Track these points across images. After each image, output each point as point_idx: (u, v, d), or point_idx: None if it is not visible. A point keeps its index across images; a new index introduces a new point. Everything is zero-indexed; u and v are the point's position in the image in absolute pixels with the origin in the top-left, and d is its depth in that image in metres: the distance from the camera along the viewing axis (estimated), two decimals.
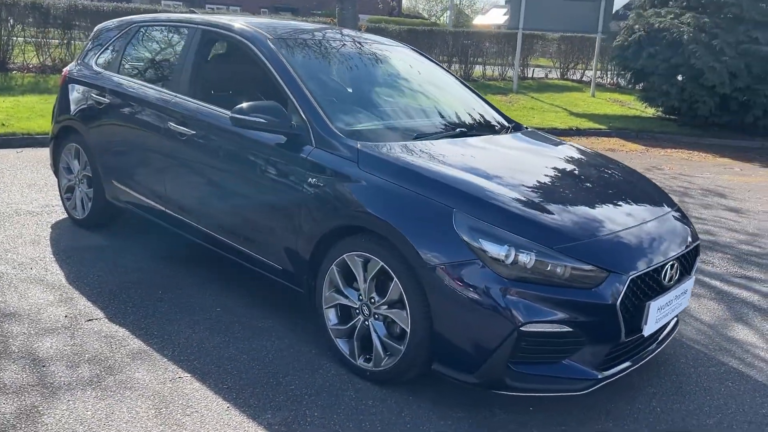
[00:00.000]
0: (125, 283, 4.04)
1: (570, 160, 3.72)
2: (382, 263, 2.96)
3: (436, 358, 2.87)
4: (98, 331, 3.44)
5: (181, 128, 3.90)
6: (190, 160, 3.93)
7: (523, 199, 2.95)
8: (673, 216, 3.34)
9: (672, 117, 12.77)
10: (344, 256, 3.12)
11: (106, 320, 3.56)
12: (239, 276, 4.20)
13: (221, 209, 3.79)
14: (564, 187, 3.28)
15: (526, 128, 4.23)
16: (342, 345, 3.22)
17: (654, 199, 3.39)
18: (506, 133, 4.03)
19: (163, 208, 4.17)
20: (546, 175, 3.38)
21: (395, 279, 2.92)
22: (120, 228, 4.96)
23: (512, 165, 3.46)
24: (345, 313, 3.26)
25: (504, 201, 2.88)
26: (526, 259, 2.67)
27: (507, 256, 2.67)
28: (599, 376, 2.81)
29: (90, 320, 3.55)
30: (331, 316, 3.26)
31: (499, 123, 4.20)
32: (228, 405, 2.89)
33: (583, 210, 3.00)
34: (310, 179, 3.24)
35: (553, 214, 2.87)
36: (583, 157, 3.84)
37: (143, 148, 4.24)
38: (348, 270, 3.17)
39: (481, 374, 2.75)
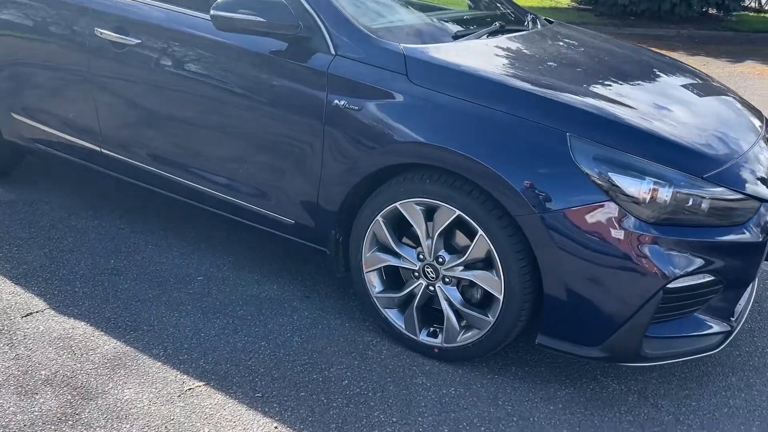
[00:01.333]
0: (58, 251, 3.01)
1: (647, 63, 3.01)
2: (458, 212, 2.20)
3: (544, 329, 2.21)
4: (45, 331, 2.47)
5: (118, 37, 2.80)
6: (140, 81, 2.86)
7: (644, 114, 2.25)
8: None
9: (588, 7, 12.37)
10: (397, 204, 2.32)
11: (53, 313, 2.57)
12: (216, 230, 3.28)
13: (195, 148, 2.81)
14: (666, 99, 2.59)
15: (550, 21, 3.47)
16: (394, 317, 2.48)
17: (751, 114, 2.79)
18: (537, 26, 3.25)
19: (97, 148, 3.09)
20: (637, 83, 2.67)
21: (480, 232, 2.18)
22: (26, 175, 3.77)
23: (594, 69, 2.72)
24: (395, 278, 2.50)
25: (629, 118, 2.16)
26: (667, 194, 2.01)
27: (647, 193, 2.00)
28: (732, 328, 2.27)
29: (28, 315, 2.55)
30: (375, 281, 2.49)
31: (515, 13, 3.40)
32: (274, 424, 2.10)
33: (704, 126, 2.35)
34: (335, 102, 2.35)
35: (682, 133, 2.20)
36: (655, 59, 3.14)
37: (58, 67, 3.07)
38: (400, 222, 2.38)
39: (609, 346, 2.13)
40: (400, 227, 2.42)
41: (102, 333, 2.46)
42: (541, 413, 2.22)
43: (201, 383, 2.24)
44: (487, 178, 2.11)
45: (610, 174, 2.01)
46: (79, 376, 2.24)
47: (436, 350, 2.41)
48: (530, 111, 2.14)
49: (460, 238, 2.32)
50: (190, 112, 2.76)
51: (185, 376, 2.27)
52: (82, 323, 2.51)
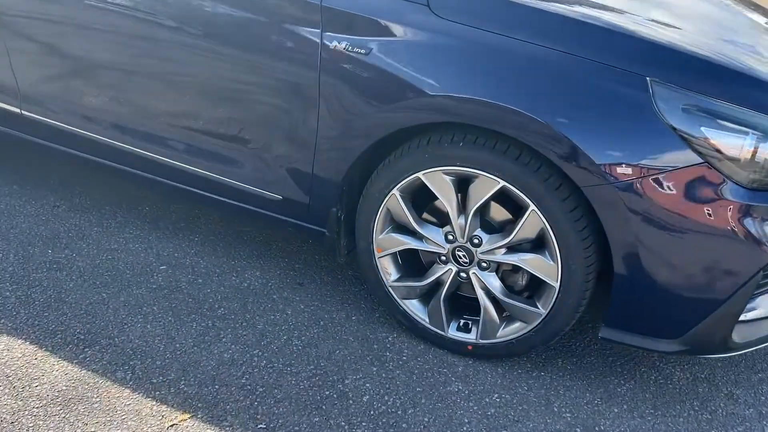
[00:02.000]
0: None
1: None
2: (503, 182, 1.74)
3: (610, 321, 1.80)
4: None
5: None
6: (63, 19, 2.23)
7: (732, 51, 1.80)
8: None
9: None
10: (420, 174, 1.83)
11: None
12: (175, 203, 2.72)
13: (144, 105, 2.22)
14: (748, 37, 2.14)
15: None
16: (415, 309, 2.03)
17: None
18: None
19: (17, 110, 2.45)
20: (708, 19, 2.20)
21: (532, 206, 1.73)
22: None
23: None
24: (414, 262, 2.04)
25: (721, 57, 1.70)
26: None
27: (750, 151, 1.58)
28: None
29: None
30: (389, 268, 2.02)
31: None
32: None
33: None
34: (333, 44, 1.82)
35: None
36: None
37: None
38: (419, 196, 1.91)
39: (693, 337, 1.74)
40: (419, 201, 1.95)
41: (47, 354, 1.93)
42: (606, 419, 1.84)
43: (185, 416, 1.76)
44: (543, 138, 1.65)
45: (703, 129, 1.58)
46: (23, 420, 1.72)
47: (470, 347, 1.99)
48: (596, 49, 1.65)
49: (500, 214, 1.87)
50: (135, 57, 2.15)
51: (164, 407, 1.78)
52: (20, 343, 1.96)
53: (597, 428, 1.81)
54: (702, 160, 1.57)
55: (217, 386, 1.85)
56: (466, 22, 1.72)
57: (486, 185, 1.77)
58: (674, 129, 1.58)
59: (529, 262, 1.82)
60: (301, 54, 1.87)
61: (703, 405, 1.92)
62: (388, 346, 2.06)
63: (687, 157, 1.58)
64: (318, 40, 1.83)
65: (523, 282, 1.92)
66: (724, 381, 2.01)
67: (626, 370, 2.02)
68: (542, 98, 1.66)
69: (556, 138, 1.63)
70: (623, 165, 1.61)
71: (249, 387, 1.86)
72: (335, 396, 1.85)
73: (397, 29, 1.76)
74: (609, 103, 1.63)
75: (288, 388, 1.86)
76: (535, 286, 1.89)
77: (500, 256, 1.85)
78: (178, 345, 1.99)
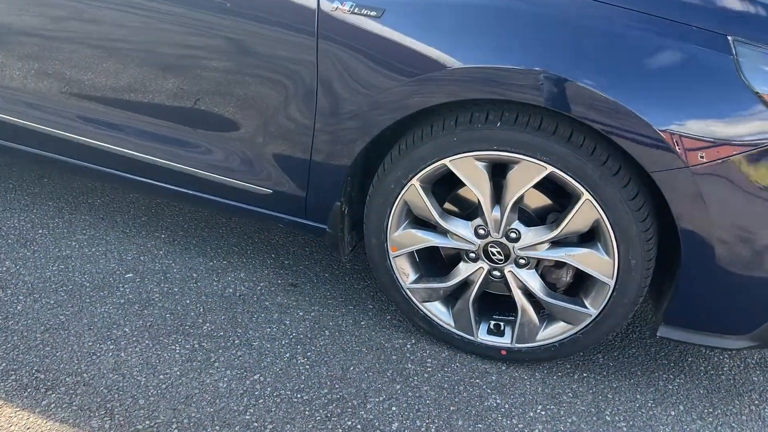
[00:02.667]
0: None
1: None
2: (551, 168, 1.46)
3: (671, 318, 1.57)
4: None
5: None
6: None
7: None
8: None
9: None
10: (446, 161, 1.53)
11: None
12: (122, 196, 2.33)
13: (93, 85, 1.81)
14: None
15: None
16: (438, 313, 1.76)
17: None
18: None
19: None
20: None
21: (587, 195, 1.46)
22: None
23: None
24: (434, 261, 1.76)
25: None
26: None
27: None
28: None
29: None
30: (407, 268, 1.73)
31: None
32: None
33: None
34: (335, 5, 1.46)
35: None
36: None
37: None
38: (442, 183, 1.62)
39: (765, 331, 1.53)
40: (439, 189, 1.65)
41: None
42: (665, 425, 1.64)
43: None
44: (603, 115, 1.36)
45: None
46: None
47: (504, 352, 1.74)
48: (665, 5, 1.36)
49: (541, 203, 1.60)
50: (69, 20, 1.74)
51: None
52: None
53: None
54: None
55: (217, 427, 1.55)
56: None
57: (529, 172, 1.49)
58: (762, 97, 1.31)
59: (579, 257, 1.56)
60: (292, 19, 1.51)
61: (762, 397, 1.74)
62: (408, 355, 1.79)
63: None
64: (314, 3, 1.47)
65: (568, 279, 1.67)
66: None
67: (672, 362, 1.82)
68: (599, 65, 1.37)
69: (619, 113, 1.35)
70: (702, 143, 1.34)
71: (256, 425, 1.56)
72: (360, 427, 1.58)
73: None
74: (683, 70, 1.35)
75: (302, 421, 1.58)
76: (581, 283, 1.64)
77: (543, 251, 1.59)
78: (162, 377, 1.67)
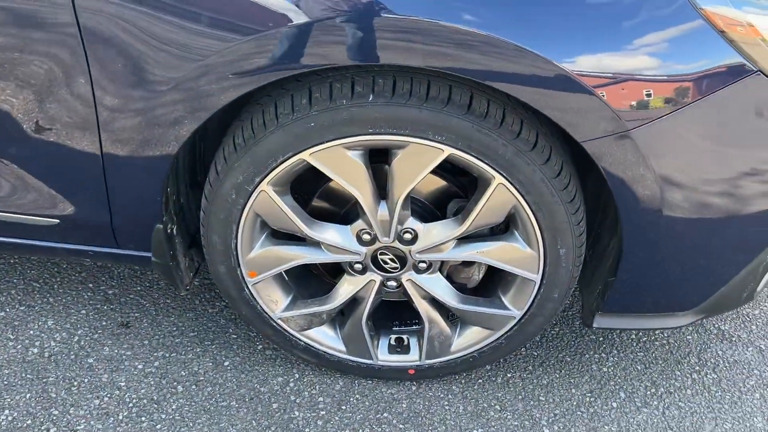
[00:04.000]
0: None
1: None
2: (450, 149, 1.05)
3: (609, 306, 1.27)
4: None
5: None
6: None
7: None
8: None
9: None
10: (304, 155, 1.08)
11: None
12: None
13: None
14: None
15: None
16: (323, 339, 1.35)
17: None
18: None
19: None
20: None
21: (500, 178, 1.08)
22: None
23: None
24: (309, 278, 1.34)
25: None
26: None
27: None
28: None
29: None
30: (273, 293, 1.29)
31: None
32: None
33: None
34: None
35: None
36: None
37: None
38: (306, 181, 1.18)
39: (712, 303, 1.26)
40: (300, 187, 1.21)
41: None
42: (609, 421, 1.38)
43: None
44: (513, 74, 0.97)
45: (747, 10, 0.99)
46: None
47: (413, 371, 1.38)
48: None
49: (436, 191, 1.21)
50: None
51: None
52: None
53: None
54: (753, 68, 1.00)
55: None
56: None
57: (420, 157, 1.07)
58: (710, 18, 0.97)
59: (493, 253, 1.20)
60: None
61: (701, 360, 1.53)
62: (293, 398, 1.38)
63: (729, 59, 0.99)
64: None
65: (479, 276, 1.31)
66: (707, 323, 1.63)
67: (602, 336, 1.56)
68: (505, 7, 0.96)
69: (532, 66, 0.95)
70: (645, 99, 0.99)
71: None
72: None
73: None
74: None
75: None
76: (498, 279, 1.29)
77: (448, 252, 1.20)
78: None
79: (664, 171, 1.05)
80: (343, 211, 1.25)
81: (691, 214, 1.11)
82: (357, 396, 1.39)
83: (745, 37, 0.98)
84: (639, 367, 1.50)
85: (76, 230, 1.25)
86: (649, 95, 0.99)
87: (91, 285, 1.60)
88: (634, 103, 0.99)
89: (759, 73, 0.99)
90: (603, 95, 0.97)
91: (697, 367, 1.51)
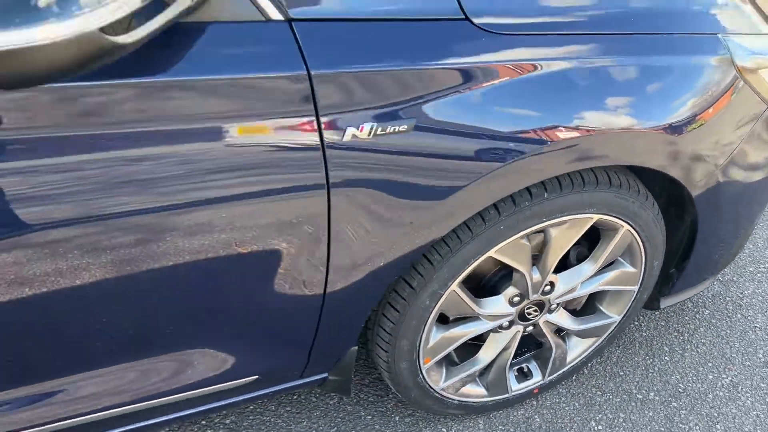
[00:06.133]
0: None
1: None
2: (598, 216, 1.32)
3: (677, 287, 1.65)
4: None
5: None
6: None
7: None
8: None
9: None
10: (491, 253, 1.26)
11: None
12: None
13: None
14: None
15: None
16: (472, 392, 1.56)
17: None
18: None
19: None
20: None
21: (627, 226, 1.38)
22: None
23: None
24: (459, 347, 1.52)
25: None
26: None
27: None
28: None
29: None
30: (436, 372, 1.48)
31: None
32: None
33: None
34: (348, 133, 0.99)
35: None
36: None
37: None
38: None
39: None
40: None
41: None
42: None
43: None
44: (649, 150, 1.26)
45: None
46: None
47: (537, 390, 1.65)
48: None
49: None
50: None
51: None
52: None
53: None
54: None
55: None
56: (520, 29, 1.10)
57: (575, 227, 1.32)
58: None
59: (610, 281, 1.50)
60: (287, 166, 0.98)
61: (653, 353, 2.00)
62: None
63: None
64: (315, 137, 0.98)
65: (584, 299, 1.61)
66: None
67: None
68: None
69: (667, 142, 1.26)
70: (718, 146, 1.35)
71: None
72: None
73: (445, 76, 1.03)
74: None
75: None
76: (595, 296, 1.60)
77: (577, 291, 1.48)
78: None
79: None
80: (492, 282, 1.44)
81: (739, 206, 1.51)
82: (500, 428, 1.62)
83: None
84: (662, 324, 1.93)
85: (267, 379, 1.28)
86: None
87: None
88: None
89: None
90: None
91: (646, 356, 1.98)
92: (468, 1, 1.05)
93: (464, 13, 1.05)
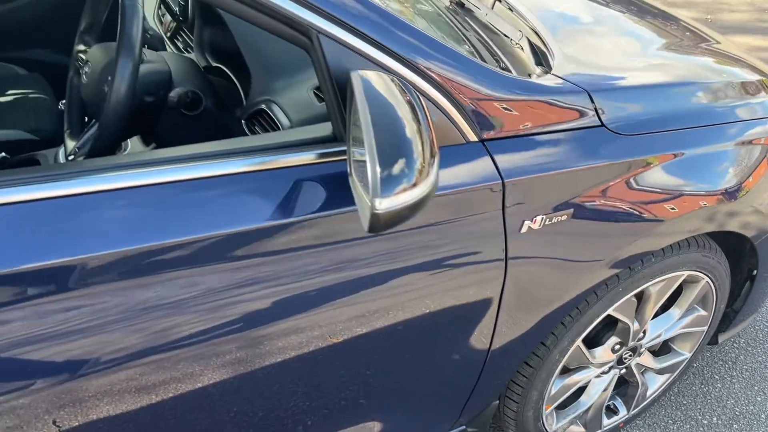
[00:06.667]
0: None
1: None
2: (686, 272, 1.57)
3: (733, 323, 1.91)
4: None
5: None
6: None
7: None
8: None
9: None
10: (609, 311, 1.49)
11: None
12: None
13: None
14: None
15: None
16: (574, 429, 1.76)
17: None
18: None
19: None
20: None
21: (706, 278, 1.63)
22: None
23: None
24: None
25: None
26: None
27: None
28: None
29: None
30: (551, 417, 1.67)
31: None
32: None
33: None
34: (525, 226, 1.20)
35: None
36: None
37: None
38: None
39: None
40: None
41: None
42: None
43: None
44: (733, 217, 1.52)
45: None
46: None
47: (622, 425, 1.86)
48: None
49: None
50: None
51: None
52: None
53: None
54: None
55: None
56: (642, 131, 1.34)
57: (670, 283, 1.56)
58: None
59: (689, 324, 1.74)
60: (475, 249, 1.19)
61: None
62: None
63: None
64: (500, 228, 1.18)
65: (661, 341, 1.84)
66: None
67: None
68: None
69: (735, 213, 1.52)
70: None
71: None
72: None
73: (592, 173, 1.26)
74: None
75: None
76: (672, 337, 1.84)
77: (664, 335, 1.71)
78: None
79: None
80: (598, 333, 1.66)
81: None
82: None
83: None
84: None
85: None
86: None
87: None
88: None
89: None
90: None
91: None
92: (603, 113, 1.29)
93: (601, 122, 1.28)
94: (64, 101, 1.55)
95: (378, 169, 0.81)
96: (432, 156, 0.88)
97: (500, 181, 1.14)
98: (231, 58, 1.47)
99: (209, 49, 1.52)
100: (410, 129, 0.86)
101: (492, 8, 1.64)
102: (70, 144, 1.41)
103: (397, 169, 0.83)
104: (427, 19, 1.51)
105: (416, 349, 1.26)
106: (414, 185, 0.84)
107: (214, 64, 1.51)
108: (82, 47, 1.42)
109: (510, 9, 1.66)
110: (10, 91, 2.11)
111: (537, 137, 1.21)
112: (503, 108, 1.16)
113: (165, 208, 0.92)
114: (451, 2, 1.64)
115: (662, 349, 1.86)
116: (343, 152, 1.04)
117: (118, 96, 1.11)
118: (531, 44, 1.45)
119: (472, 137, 1.14)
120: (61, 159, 1.70)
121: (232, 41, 1.46)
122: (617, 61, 1.51)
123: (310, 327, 1.08)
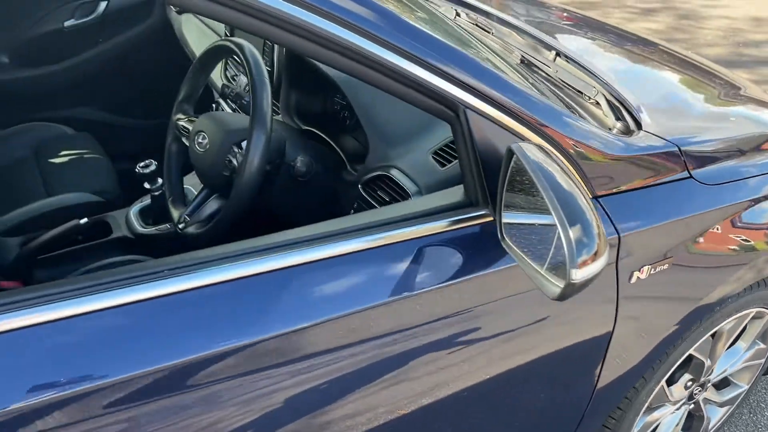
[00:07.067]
0: None
1: None
2: (756, 309, 1.66)
3: None
4: None
5: None
6: None
7: None
8: None
9: None
10: (690, 351, 1.56)
11: None
12: None
13: None
14: None
15: None
16: None
17: None
18: None
19: None
20: None
21: None
22: None
23: None
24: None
25: None
26: None
27: None
28: None
29: None
30: None
31: None
32: None
33: None
34: (634, 276, 1.27)
35: None
36: None
37: None
38: None
39: None
40: None
41: None
42: None
43: None
44: None
45: None
46: None
47: None
48: None
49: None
50: None
51: None
52: None
53: None
54: None
55: None
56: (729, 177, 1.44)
57: (740, 321, 1.64)
58: None
59: (749, 357, 1.82)
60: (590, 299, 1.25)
61: None
62: None
63: None
64: (613, 279, 1.25)
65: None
66: None
67: None
68: None
69: None
70: None
71: None
72: None
73: (684, 223, 1.34)
74: None
75: None
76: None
77: (728, 370, 1.79)
78: None
79: None
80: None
81: None
82: None
83: None
84: None
85: None
86: None
87: None
88: None
89: None
90: None
91: None
92: (691, 165, 1.37)
93: (689, 174, 1.37)
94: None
95: (571, 236, 0.87)
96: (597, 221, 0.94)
97: (617, 236, 1.21)
98: (322, 121, 1.51)
99: (296, 113, 1.56)
100: (581, 197, 0.92)
101: (554, 61, 1.72)
102: (175, 212, 1.43)
103: (581, 235, 0.88)
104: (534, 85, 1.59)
105: (530, 396, 1.31)
106: (596, 253, 0.89)
107: (304, 128, 1.56)
108: (181, 116, 1.46)
109: (567, 60, 1.74)
110: (63, 152, 2.12)
111: (641, 191, 1.28)
112: (614, 166, 1.23)
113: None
114: (522, 60, 1.72)
115: (722, 383, 1.93)
116: (478, 217, 1.09)
117: (251, 167, 1.15)
118: (606, 99, 1.54)
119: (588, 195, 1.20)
120: (133, 220, 1.71)
121: (322, 105, 1.51)
122: (691, 113, 1.61)
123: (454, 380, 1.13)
